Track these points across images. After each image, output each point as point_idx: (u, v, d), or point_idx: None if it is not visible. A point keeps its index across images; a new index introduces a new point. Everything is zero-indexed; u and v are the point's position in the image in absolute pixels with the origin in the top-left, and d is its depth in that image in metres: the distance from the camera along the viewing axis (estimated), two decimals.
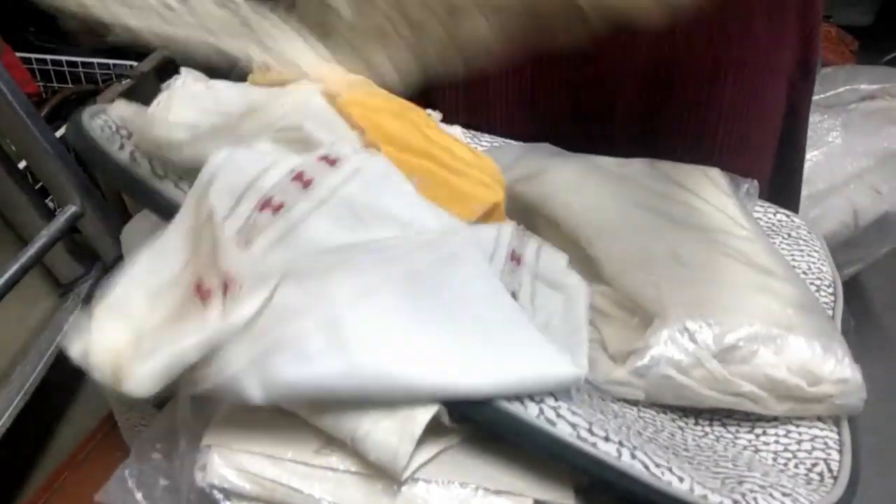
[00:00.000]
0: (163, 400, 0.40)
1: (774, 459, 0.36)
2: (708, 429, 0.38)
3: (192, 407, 0.35)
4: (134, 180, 0.37)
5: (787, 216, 0.53)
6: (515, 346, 0.33)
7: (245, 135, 0.37)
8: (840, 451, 0.36)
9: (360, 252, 0.34)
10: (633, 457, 0.31)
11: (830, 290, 0.47)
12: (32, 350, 0.69)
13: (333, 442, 0.33)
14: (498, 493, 0.32)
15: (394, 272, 0.33)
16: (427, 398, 0.31)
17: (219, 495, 0.31)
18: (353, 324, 0.31)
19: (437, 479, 0.32)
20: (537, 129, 0.58)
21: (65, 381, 0.69)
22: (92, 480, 0.51)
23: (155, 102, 0.38)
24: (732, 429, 0.38)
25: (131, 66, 1.10)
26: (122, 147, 0.39)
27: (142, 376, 0.29)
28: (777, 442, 0.37)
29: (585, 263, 0.44)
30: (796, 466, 0.36)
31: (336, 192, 0.37)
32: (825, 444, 0.37)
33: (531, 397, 0.32)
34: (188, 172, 0.38)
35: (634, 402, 0.38)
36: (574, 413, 0.32)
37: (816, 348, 0.37)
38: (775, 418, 0.38)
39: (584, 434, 0.31)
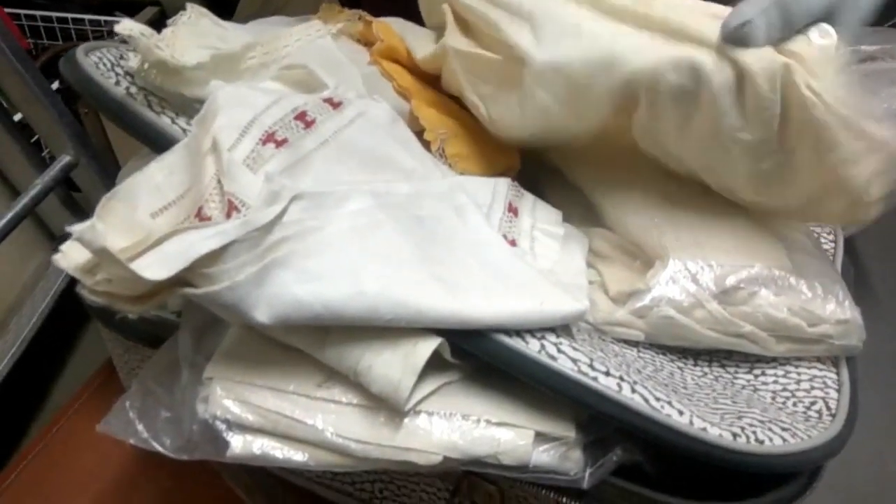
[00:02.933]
0: (161, 340, 0.40)
1: (773, 398, 0.36)
2: (707, 369, 0.38)
3: (193, 341, 0.35)
4: (131, 113, 0.36)
5: None
6: (518, 285, 0.33)
7: (249, 67, 0.37)
8: (839, 391, 0.36)
9: (365, 189, 0.34)
10: (633, 391, 0.31)
11: (831, 237, 0.47)
12: (27, 302, 0.68)
13: (335, 376, 0.33)
14: (500, 424, 0.32)
15: (401, 214, 0.33)
16: (430, 325, 0.31)
17: (221, 426, 0.31)
18: (362, 254, 0.31)
19: (439, 412, 0.32)
20: None
21: (61, 332, 0.69)
22: (91, 426, 0.51)
23: (159, 36, 0.37)
24: (731, 369, 0.38)
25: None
26: (117, 83, 0.38)
27: (153, 260, 0.28)
28: (776, 382, 0.37)
29: (587, 209, 0.44)
30: (794, 405, 0.36)
31: (338, 134, 0.36)
32: (824, 383, 0.37)
33: (532, 333, 0.32)
34: (187, 106, 0.38)
35: (634, 343, 0.38)
36: (575, 349, 0.32)
37: (817, 289, 0.37)
38: (774, 359, 0.39)
39: (584, 369, 0.31)
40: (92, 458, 0.50)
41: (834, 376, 0.37)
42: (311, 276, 0.30)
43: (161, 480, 0.49)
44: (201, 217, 0.30)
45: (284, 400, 0.32)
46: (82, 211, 0.75)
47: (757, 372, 0.38)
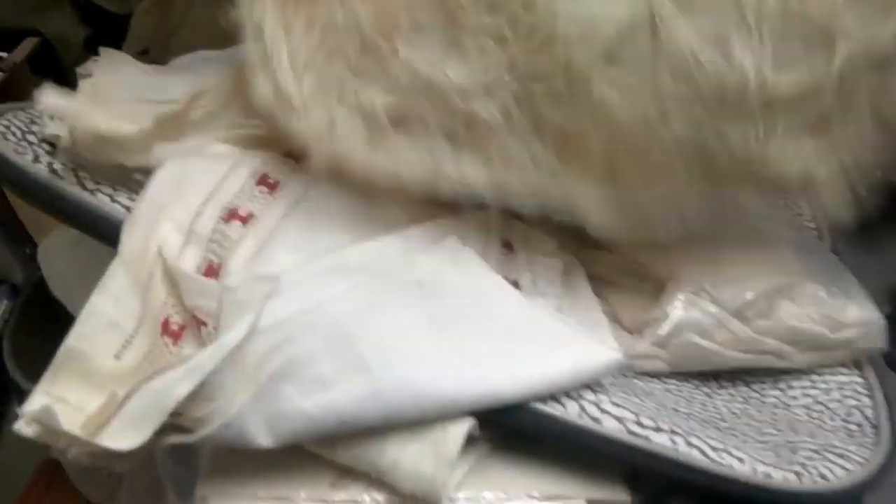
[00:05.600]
0: None
1: (808, 415, 0.34)
2: (734, 391, 0.36)
3: (175, 454, 0.30)
4: (60, 196, 0.30)
5: None
6: (541, 341, 0.30)
7: (196, 121, 0.32)
8: (870, 396, 0.35)
9: (351, 261, 0.29)
10: (689, 444, 0.28)
11: (814, 224, 0.46)
12: None
13: (350, 472, 0.28)
14: (547, 497, 0.28)
15: (395, 282, 0.29)
16: (459, 411, 0.27)
17: None
18: (366, 339, 0.27)
19: (479, 494, 0.28)
20: None
21: None
22: None
23: (80, 90, 0.32)
24: (756, 387, 0.36)
25: (0, 58, 0.99)
26: (36, 158, 0.32)
27: (122, 426, 0.23)
28: (805, 395, 0.36)
29: (579, 231, 0.40)
30: (832, 419, 0.34)
31: (308, 192, 0.32)
32: (854, 390, 0.35)
33: (568, 394, 0.29)
34: (125, 178, 0.32)
35: (656, 374, 0.35)
36: (616, 405, 0.29)
37: (836, 293, 0.36)
38: (797, 370, 0.37)
39: (633, 428, 0.28)
40: None
41: (861, 380, 0.36)
42: (316, 384, 0.25)
43: None
44: (170, 332, 0.25)
45: None
46: None
47: (783, 386, 0.36)
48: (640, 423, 0.28)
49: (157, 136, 0.31)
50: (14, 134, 0.33)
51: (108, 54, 0.36)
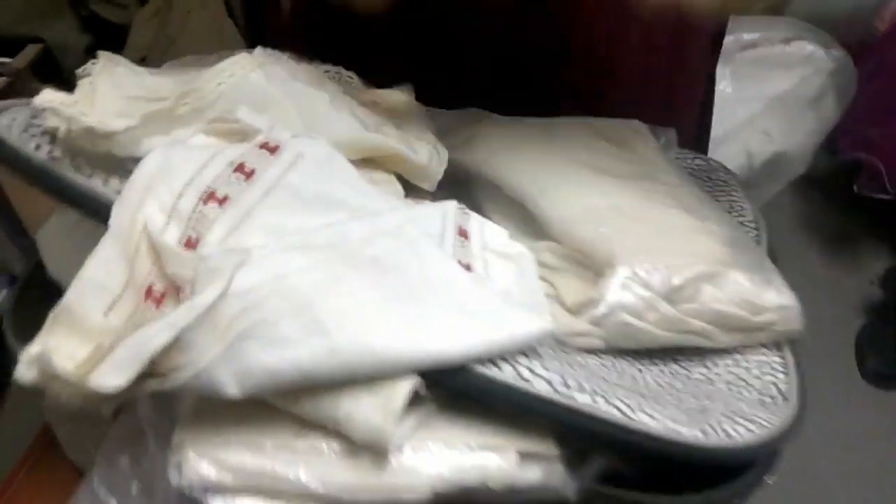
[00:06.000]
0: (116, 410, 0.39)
1: (729, 389, 0.38)
2: (664, 368, 0.40)
3: (154, 404, 0.34)
4: (58, 180, 0.34)
5: (705, 160, 0.56)
6: (482, 313, 0.34)
7: (181, 115, 0.36)
8: (786, 373, 0.39)
9: (316, 240, 0.33)
10: (609, 403, 0.32)
11: (754, 225, 0.50)
12: None
13: (311, 424, 0.32)
14: (483, 448, 0.32)
15: (356, 261, 0.33)
16: (407, 369, 0.31)
17: (199, 493, 0.30)
18: (325, 306, 0.31)
19: (422, 444, 0.32)
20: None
21: None
22: None
23: (78, 90, 0.36)
24: (685, 364, 0.40)
25: (4, 63, 1.03)
26: (38, 147, 0.36)
27: (108, 369, 0.27)
28: (729, 372, 0.39)
29: (529, 222, 0.45)
30: (749, 393, 0.38)
31: (281, 181, 0.36)
32: (771, 367, 0.39)
33: (504, 359, 0.33)
34: (117, 166, 0.36)
35: (593, 351, 0.39)
36: (546, 369, 0.33)
37: (756, 280, 0.40)
38: (723, 350, 0.41)
39: (560, 388, 0.32)
40: None
41: (779, 360, 0.40)
42: (279, 342, 0.29)
43: None
44: (153, 297, 0.29)
45: (263, 455, 0.31)
46: None
47: (709, 364, 0.40)
48: (566, 385, 0.32)
49: (145, 131, 0.35)
50: (18, 126, 0.37)
51: (105, 57, 0.40)
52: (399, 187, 0.44)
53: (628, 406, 0.32)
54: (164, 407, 0.33)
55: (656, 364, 0.40)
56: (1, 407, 0.65)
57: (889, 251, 1.51)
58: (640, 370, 0.39)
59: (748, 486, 0.35)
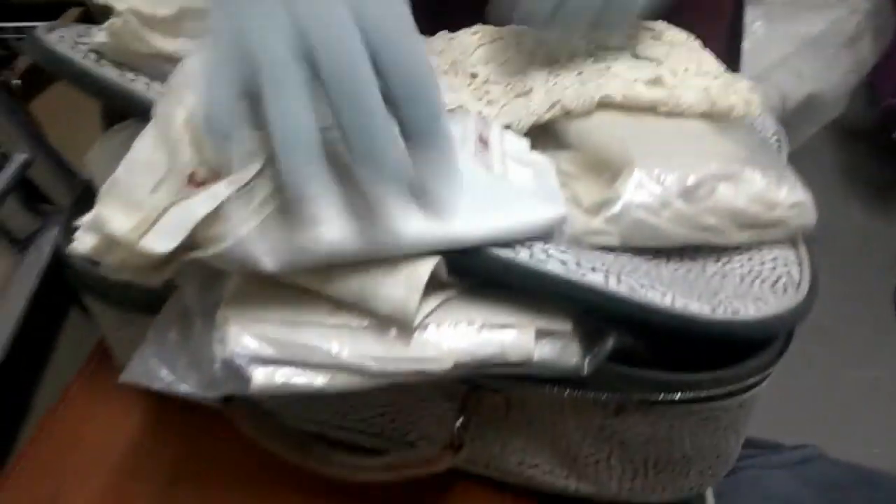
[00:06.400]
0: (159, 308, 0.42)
1: (741, 280, 0.40)
2: (678, 264, 0.41)
3: (199, 292, 0.36)
4: (106, 81, 0.37)
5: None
6: (500, 202, 0.36)
7: None
8: (799, 266, 0.40)
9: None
10: (619, 281, 0.34)
11: (776, 137, 0.51)
12: None
13: (342, 305, 0.35)
14: (502, 326, 0.34)
15: None
16: (428, 250, 0.33)
17: (242, 362, 0.33)
18: (352, 192, 0.33)
19: (445, 322, 0.34)
20: None
21: (40, 330, 0.68)
22: (92, 410, 0.52)
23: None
24: (700, 261, 0.41)
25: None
26: (86, 56, 0.39)
27: (157, 235, 0.30)
28: (742, 266, 0.41)
29: (548, 135, 0.46)
30: (762, 283, 0.39)
31: None
32: (785, 261, 0.40)
33: (521, 243, 0.35)
34: (156, 73, 0.39)
35: (611, 249, 0.41)
36: (562, 252, 0.35)
37: (770, 177, 0.41)
38: (738, 247, 0.42)
39: (572, 267, 0.34)
40: (101, 435, 0.50)
41: (793, 255, 0.41)
42: (310, 221, 0.31)
43: (171, 449, 0.50)
44: (196, 182, 0.31)
45: (299, 330, 0.34)
46: (42, 212, 0.75)
47: (724, 260, 0.41)
48: (578, 265, 0.34)
49: (187, 17, 0.37)
50: (67, 41, 0.40)
51: None
52: None
53: (639, 284, 0.34)
54: (209, 289, 0.36)
55: (671, 260, 0.41)
56: (62, 325, 0.69)
57: None
58: (655, 266, 0.41)
59: (756, 367, 0.36)
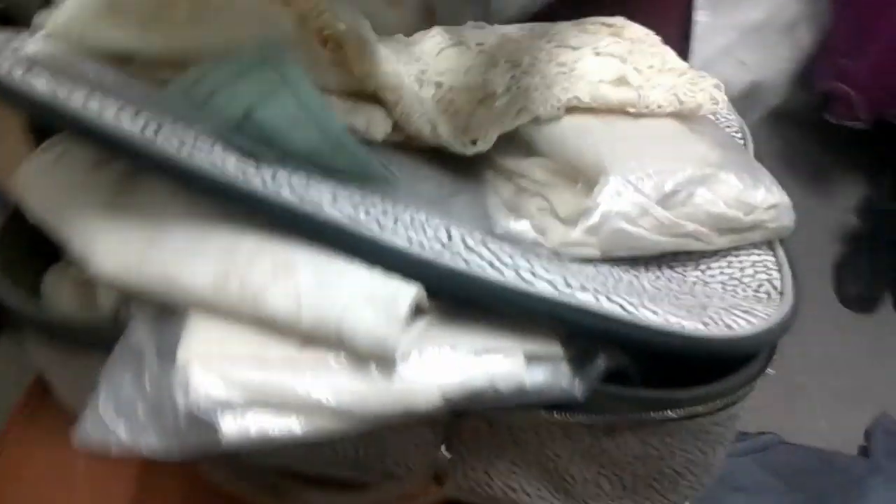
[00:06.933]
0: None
1: (723, 288, 0.39)
2: (658, 273, 0.40)
3: (153, 327, 0.33)
4: (34, 97, 0.33)
5: None
6: None
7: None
8: (780, 270, 0.39)
9: None
10: (610, 300, 0.32)
11: (739, 134, 0.50)
12: None
13: (313, 338, 0.32)
14: (489, 351, 0.32)
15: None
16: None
17: (209, 411, 0.30)
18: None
19: (428, 351, 0.32)
20: None
21: None
22: (34, 458, 0.48)
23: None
24: (679, 269, 0.40)
25: None
26: (13, 67, 0.35)
27: None
28: (722, 273, 0.40)
29: (513, 141, 0.44)
30: (744, 290, 0.38)
31: None
32: (765, 266, 0.40)
33: (504, 262, 0.33)
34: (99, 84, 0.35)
35: (590, 260, 0.39)
36: (547, 270, 0.33)
37: (746, 180, 0.40)
38: (715, 252, 0.41)
39: (561, 287, 0.32)
40: (43, 480, 0.47)
41: (772, 258, 0.40)
42: None
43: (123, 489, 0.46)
44: None
45: (270, 368, 0.31)
46: None
47: (703, 267, 0.40)
48: (567, 284, 0.32)
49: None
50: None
51: None
52: None
53: (630, 303, 0.33)
54: (164, 330, 0.33)
55: (651, 270, 0.40)
56: None
57: (864, 179, 1.54)
58: (635, 276, 0.39)
59: (748, 377, 0.35)
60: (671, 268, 0.40)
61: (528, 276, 0.32)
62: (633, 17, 0.64)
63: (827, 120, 1.36)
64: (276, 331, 0.32)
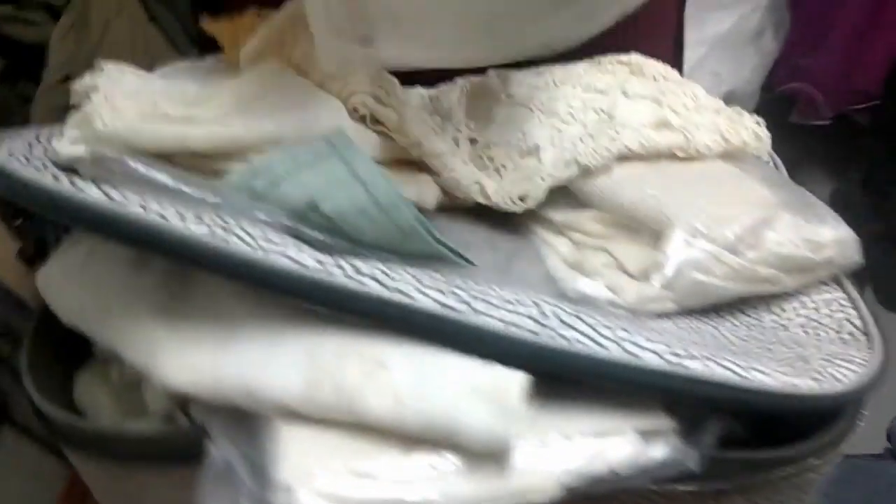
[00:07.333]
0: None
1: (805, 332, 0.38)
2: (735, 321, 0.39)
3: (232, 437, 0.31)
4: (93, 210, 0.31)
5: None
6: None
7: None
8: (855, 307, 0.39)
9: None
10: (722, 367, 0.31)
11: (771, 163, 0.50)
12: None
13: (417, 441, 0.30)
14: (600, 433, 0.31)
15: None
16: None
17: None
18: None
19: (539, 440, 0.30)
20: None
21: None
22: None
23: (90, 108, 0.32)
24: (753, 315, 0.40)
25: None
26: (57, 178, 0.32)
27: None
28: (798, 315, 0.39)
29: (561, 193, 0.43)
30: (826, 333, 0.38)
31: None
32: (839, 304, 0.39)
33: (605, 336, 0.31)
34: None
35: (667, 315, 0.38)
36: (651, 341, 0.32)
37: (810, 217, 0.40)
38: (783, 294, 0.40)
39: (670, 358, 0.31)
40: None
41: (842, 295, 0.40)
42: None
43: None
44: None
45: (378, 480, 0.29)
46: None
47: (777, 310, 0.40)
48: (675, 353, 0.31)
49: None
50: (35, 162, 0.33)
51: (107, 66, 0.36)
52: None
53: (740, 367, 0.31)
54: (247, 437, 0.30)
55: (726, 318, 0.39)
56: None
57: (829, 176, 1.57)
58: (714, 327, 0.38)
59: (850, 424, 0.34)
60: (745, 313, 0.40)
61: (632, 348, 0.31)
62: (628, 37, 0.64)
63: (789, 121, 1.39)
64: (375, 433, 0.30)
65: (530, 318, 0.32)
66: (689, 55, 1.10)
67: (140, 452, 0.36)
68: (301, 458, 0.29)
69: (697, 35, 1.10)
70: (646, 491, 0.34)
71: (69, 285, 0.39)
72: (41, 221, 0.76)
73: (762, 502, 0.36)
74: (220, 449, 0.31)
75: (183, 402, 0.37)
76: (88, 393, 0.40)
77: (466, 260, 0.34)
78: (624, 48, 0.54)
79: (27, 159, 0.34)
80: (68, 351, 0.41)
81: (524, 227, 0.45)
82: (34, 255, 0.76)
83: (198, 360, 0.32)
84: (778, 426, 0.34)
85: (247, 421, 0.32)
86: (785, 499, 0.36)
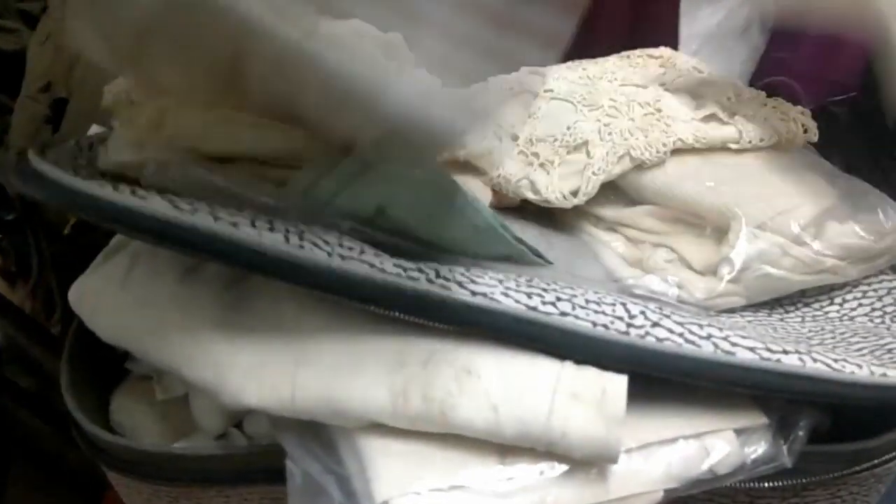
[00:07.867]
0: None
1: (871, 321, 0.38)
2: (799, 313, 0.39)
3: (314, 451, 0.29)
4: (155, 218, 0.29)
5: None
6: None
7: None
8: None
9: None
10: (815, 360, 0.30)
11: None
12: None
13: (511, 449, 0.29)
14: (697, 434, 0.30)
15: None
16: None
17: None
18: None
19: (638, 443, 0.29)
20: None
21: None
22: None
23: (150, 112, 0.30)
24: (816, 306, 0.39)
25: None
26: (102, 184, 0.30)
27: None
28: (861, 305, 0.39)
29: (613, 188, 0.42)
30: (892, 321, 0.37)
31: None
32: None
33: (697, 334, 0.31)
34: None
35: (732, 310, 0.38)
36: (744, 337, 0.31)
37: (868, 206, 0.39)
38: (844, 285, 0.40)
39: (765, 354, 0.30)
40: None
41: None
42: None
43: None
44: None
45: (475, 491, 0.28)
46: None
47: (839, 300, 0.39)
48: (769, 349, 0.30)
49: None
50: (65, 165, 0.31)
51: None
52: None
53: (833, 360, 0.31)
54: (330, 453, 0.29)
55: (790, 311, 0.39)
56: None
57: None
58: (781, 320, 0.38)
59: None
60: (808, 305, 0.39)
61: (726, 345, 0.30)
62: (633, 28, 0.64)
63: None
64: (467, 442, 0.29)
65: (618, 317, 0.31)
66: (683, 51, 1.11)
67: (199, 472, 0.35)
68: (395, 471, 0.28)
69: (687, 31, 1.10)
70: (729, 489, 0.33)
71: (110, 301, 0.37)
72: (22, 238, 0.73)
73: (842, 495, 0.35)
74: (301, 464, 0.29)
75: (238, 419, 0.36)
76: (127, 413, 0.38)
77: (545, 259, 0.33)
78: (630, 46, 0.54)
79: (75, 170, 0.32)
80: (102, 371, 0.39)
81: (570, 225, 0.44)
82: (16, 271, 0.73)
83: (274, 375, 0.30)
84: (859, 418, 0.33)
85: (322, 435, 0.30)
86: (864, 490, 0.35)
